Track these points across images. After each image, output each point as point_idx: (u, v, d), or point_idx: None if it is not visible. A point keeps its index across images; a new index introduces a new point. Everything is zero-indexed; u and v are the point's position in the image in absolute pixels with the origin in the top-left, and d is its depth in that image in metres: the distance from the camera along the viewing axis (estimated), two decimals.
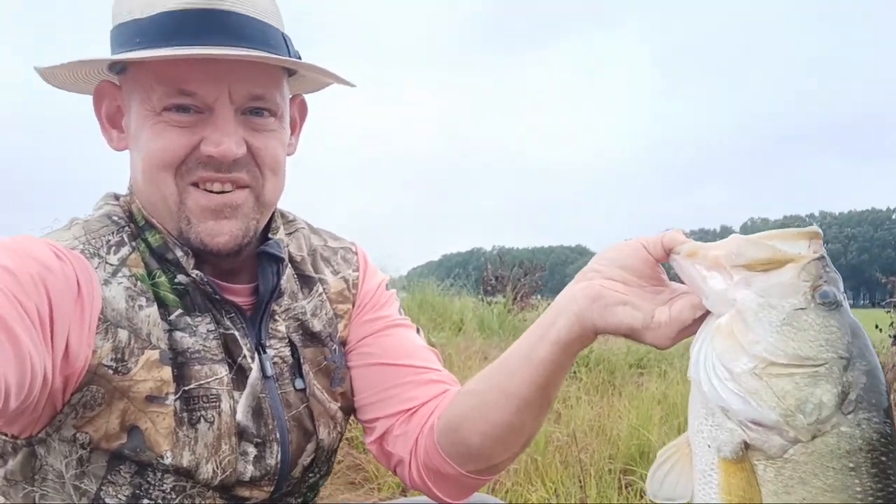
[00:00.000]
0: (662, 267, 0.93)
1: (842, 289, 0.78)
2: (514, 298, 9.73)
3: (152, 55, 1.01)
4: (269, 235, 1.21)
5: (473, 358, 4.93)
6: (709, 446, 0.77)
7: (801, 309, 0.75)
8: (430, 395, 1.23)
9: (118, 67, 1.11)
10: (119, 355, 1.02)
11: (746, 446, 0.74)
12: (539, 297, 11.26)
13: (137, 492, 1.05)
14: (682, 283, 0.89)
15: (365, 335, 1.29)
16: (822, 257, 0.78)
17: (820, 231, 0.80)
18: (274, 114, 1.11)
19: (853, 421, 0.73)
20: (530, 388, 1.04)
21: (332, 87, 1.28)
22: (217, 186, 1.08)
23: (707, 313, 0.83)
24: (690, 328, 0.86)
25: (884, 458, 0.73)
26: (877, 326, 10.44)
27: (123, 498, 1.05)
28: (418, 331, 1.36)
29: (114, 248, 1.08)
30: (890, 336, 9.66)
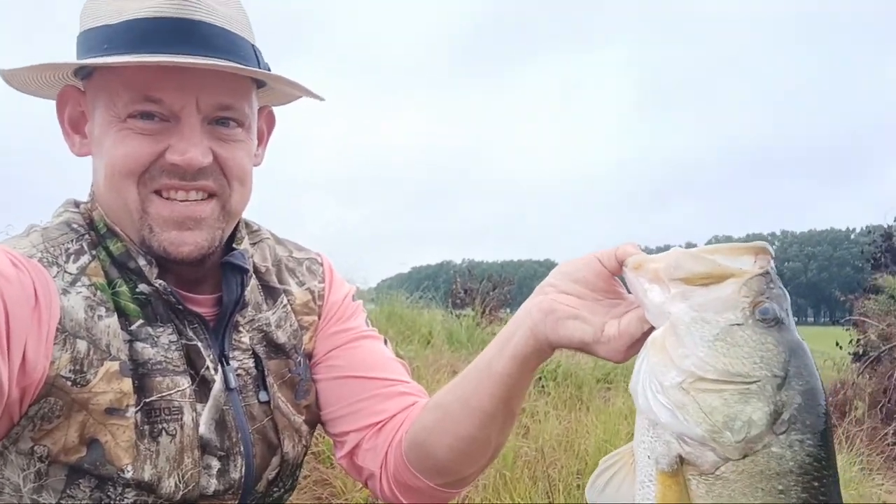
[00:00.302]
0: (620, 280, 0.93)
1: (787, 306, 0.76)
2: (483, 312, 9.75)
3: (121, 61, 1.00)
4: (234, 245, 1.20)
5: (442, 371, 4.92)
6: (648, 457, 0.76)
7: (738, 325, 0.74)
8: (399, 408, 1.22)
9: (84, 72, 1.10)
10: (77, 366, 0.99)
11: (682, 460, 0.73)
12: (507, 310, 11.30)
13: None
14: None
15: (332, 347, 1.28)
16: (767, 273, 0.77)
17: (767, 246, 0.78)
18: (241, 124, 1.10)
19: (785, 442, 0.71)
20: (492, 402, 1.04)
21: (307, 102, 1.28)
22: (181, 195, 1.07)
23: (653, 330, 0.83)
24: (640, 341, 0.85)
25: (815, 483, 0.71)
26: (837, 344, 10.70)
27: None
28: (385, 342, 1.35)
29: (73, 256, 1.06)
30: (849, 353, 9.92)
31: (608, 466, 0.82)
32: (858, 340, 9.47)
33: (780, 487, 0.71)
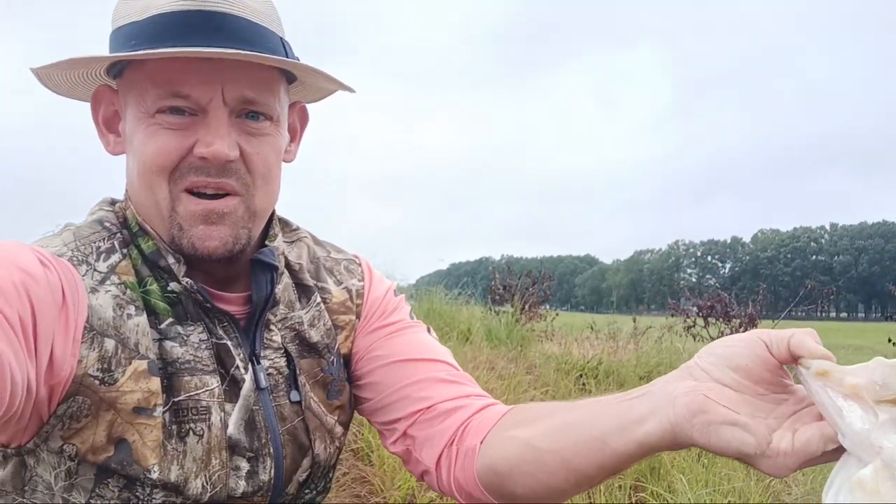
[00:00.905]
0: (786, 369, 0.78)
1: None
2: (522, 308, 9.70)
3: (142, 54, 1.00)
4: (266, 243, 1.19)
5: (481, 368, 4.88)
6: None
7: None
8: (448, 396, 1.19)
9: (115, 71, 1.10)
10: (105, 365, 0.99)
11: None
12: (547, 306, 11.22)
13: None
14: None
15: (376, 339, 1.27)
16: None
17: None
18: (269, 118, 1.09)
19: None
20: (599, 472, 0.96)
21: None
22: (210, 190, 1.06)
23: (841, 447, 0.69)
24: (818, 459, 0.74)
25: None
26: (889, 340, 10.38)
27: None
28: (429, 330, 1.33)
29: (104, 255, 1.06)
30: None
31: None
32: None
33: None
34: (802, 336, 0.76)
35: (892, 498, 0.61)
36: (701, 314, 10.82)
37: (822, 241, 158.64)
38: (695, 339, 10.42)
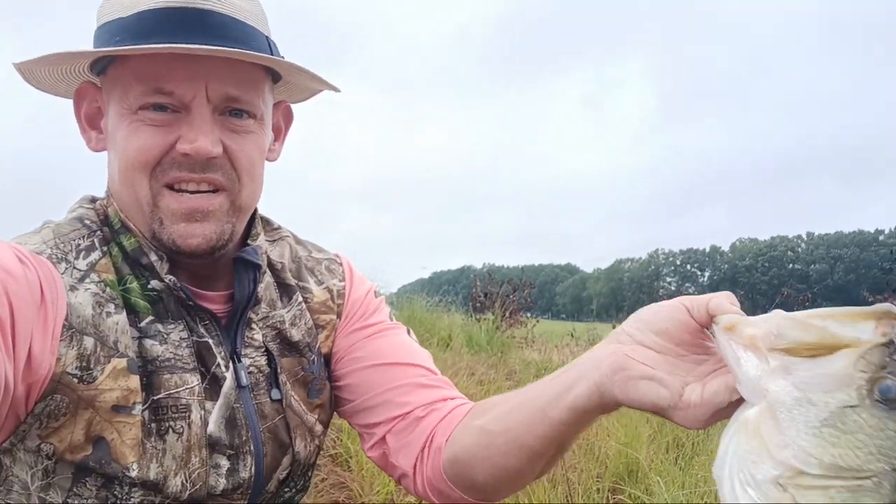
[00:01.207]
0: (710, 333, 0.81)
1: None
2: (503, 315, 9.71)
3: (124, 49, 1.00)
4: (248, 242, 1.19)
5: (461, 374, 4.89)
6: None
7: (851, 407, 0.63)
8: (425, 401, 1.20)
9: (99, 67, 1.10)
10: (84, 363, 0.98)
11: None
12: (528, 314, 11.25)
13: None
14: None
15: (356, 341, 1.27)
16: (892, 343, 0.64)
17: (893, 309, 0.66)
18: (253, 116, 1.09)
19: None
20: (543, 443, 0.99)
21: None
22: (192, 186, 1.06)
23: (742, 398, 0.72)
24: (726, 411, 0.76)
25: None
26: None
27: None
28: (409, 332, 1.34)
29: (83, 252, 1.06)
30: None
31: None
32: None
33: None
34: (720, 299, 0.80)
35: (769, 435, 0.65)
36: None
37: (799, 249, 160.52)
38: None
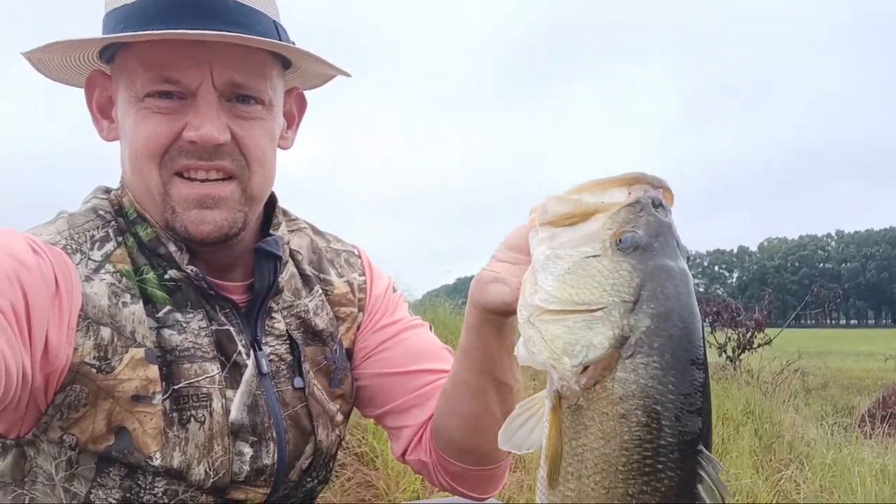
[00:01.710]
0: None
1: (664, 233, 0.73)
2: None
3: (124, 36, 1.00)
4: (271, 231, 1.18)
5: None
6: (546, 399, 0.76)
7: (594, 256, 0.73)
8: None
9: (108, 55, 1.10)
10: (102, 353, 0.99)
11: (560, 397, 0.73)
12: None
13: (128, 495, 1.02)
14: None
15: (383, 340, 1.28)
16: (637, 202, 0.73)
17: (642, 174, 0.75)
18: (261, 102, 1.08)
19: (630, 366, 0.69)
20: (472, 375, 1.06)
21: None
22: (201, 174, 1.05)
23: None
24: None
25: (658, 407, 0.68)
26: None
27: (114, 501, 1.02)
28: (430, 328, 1.35)
29: (98, 243, 1.06)
30: None
31: (522, 410, 0.80)
32: None
33: (621, 411, 0.69)
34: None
35: (528, 288, 0.75)
36: (707, 320, 10.76)
37: (829, 248, 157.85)
38: None
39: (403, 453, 1.27)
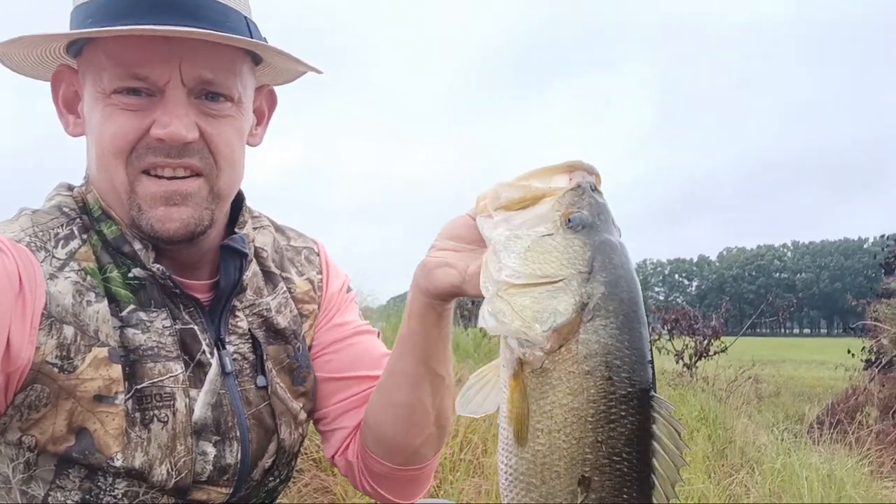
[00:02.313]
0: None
1: (603, 213, 0.84)
2: None
3: (88, 32, 0.99)
4: (236, 230, 1.18)
5: None
6: (503, 367, 0.83)
7: (548, 235, 0.82)
8: None
9: (75, 50, 1.08)
10: (64, 352, 0.98)
11: (521, 363, 0.81)
12: None
13: (87, 497, 1.01)
14: None
15: (331, 341, 1.28)
16: (579, 187, 0.84)
17: (580, 162, 0.85)
18: (230, 99, 1.07)
19: (591, 328, 0.78)
20: (410, 364, 1.09)
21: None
22: (168, 172, 1.04)
23: None
24: None
25: (618, 362, 0.78)
26: (849, 351, 10.59)
27: (72, 503, 1.01)
28: (379, 335, 1.35)
29: (62, 241, 1.04)
30: (861, 360, 9.82)
31: (477, 380, 0.87)
32: (871, 348, 9.38)
33: (587, 369, 0.78)
34: (483, 191, 0.93)
35: (493, 266, 0.84)
36: (666, 328, 10.93)
37: (786, 258, 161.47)
38: (659, 352, 10.52)
39: (334, 455, 1.28)
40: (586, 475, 0.78)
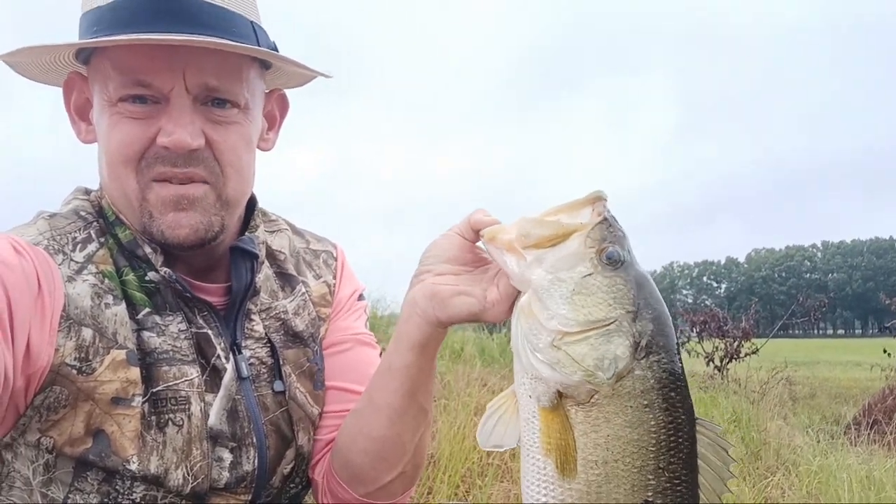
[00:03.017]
0: (481, 246, 0.97)
1: (628, 245, 0.85)
2: None
3: (94, 42, 0.99)
4: (246, 233, 1.17)
5: (473, 384, 4.87)
6: (529, 397, 0.84)
7: (589, 275, 0.82)
8: None
9: (83, 57, 1.09)
10: (83, 354, 0.98)
11: (561, 395, 0.82)
12: None
13: (106, 500, 1.00)
14: None
15: (331, 343, 1.27)
16: (605, 220, 0.84)
17: (602, 193, 0.86)
18: (236, 105, 1.06)
19: (646, 365, 0.81)
20: (396, 397, 1.05)
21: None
22: (175, 181, 1.04)
23: None
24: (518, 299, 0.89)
25: (672, 393, 0.81)
26: (885, 351, 10.37)
27: None
28: (381, 353, 1.31)
29: (80, 244, 1.05)
30: None
31: (494, 411, 0.88)
32: None
33: (645, 402, 0.81)
34: (476, 215, 0.93)
35: (542, 314, 0.82)
36: (694, 330, 10.80)
37: (815, 259, 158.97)
38: (689, 355, 10.39)
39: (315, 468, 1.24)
40: (649, 500, 0.81)
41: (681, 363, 0.84)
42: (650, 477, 0.80)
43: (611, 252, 0.83)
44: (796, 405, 9.31)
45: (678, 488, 0.81)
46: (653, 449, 0.80)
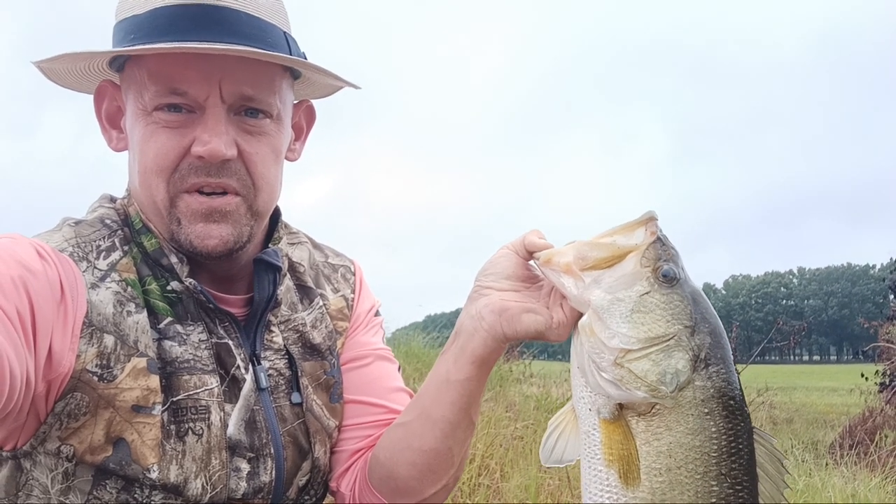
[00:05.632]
0: (533, 265, 1.01)
1: (680, 262, 0.88)
2: None
3: (130, 50, 1.00)
4: (270, 245, 1.18)
5: None
6: (589, 410, 0.87)
7: (647, 293, 0.86)
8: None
9: (117, 65, 1.09)
10: (104, 361, 0.98)
11: (621, 407, 0.85)
12: (522, 355, 11.17)
13: None
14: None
15: (351, 358, 1.27)
16: (658, 239, 0.88)
17: (654, 213, 0.89)
18: (269, 115, 1.07)
19: (705, 375, 0.84)
20: (453, 411, 1.06)
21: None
22: (207, 190, 1.05)
23: None
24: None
25: (731, 402, 0.85)
26: (862, 375, 10.52)
27: None
28: (399, 368, 1.34)
29: (104, 252, 1.05)
30: (876, 384, 9.75)
31: (555, 427, 0.91)
32: (885, 371, 9.32)
33: (706, 410, 0.84)
34: (530, 236, 0.97)
35: (603, 333, 0.86)
36: None
37: (792, 286, 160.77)
38: None
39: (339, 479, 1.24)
40: None
41: (737, 374, 0.87)
42: (713, 483, 0.83)
43: (666, 270, 0.86)
44: (776, 428, 9.37)
45: (740, 494, 0.83)
46: (714, 455, 0.83)
